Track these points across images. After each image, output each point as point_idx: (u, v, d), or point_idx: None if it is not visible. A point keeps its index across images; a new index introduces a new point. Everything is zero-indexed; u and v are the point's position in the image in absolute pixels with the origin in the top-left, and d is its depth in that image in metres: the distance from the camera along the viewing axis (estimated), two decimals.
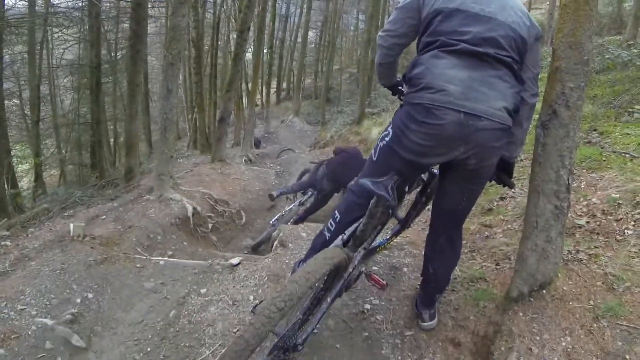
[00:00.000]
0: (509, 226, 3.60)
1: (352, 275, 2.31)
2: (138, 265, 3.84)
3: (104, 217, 5.00)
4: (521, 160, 4.41)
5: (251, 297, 3.16)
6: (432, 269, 2.59)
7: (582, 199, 3.41)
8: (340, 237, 2.35)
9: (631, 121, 4.64)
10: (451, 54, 2.04)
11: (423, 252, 2.77)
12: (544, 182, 2.37)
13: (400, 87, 2.68)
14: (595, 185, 3.55)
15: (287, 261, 3.53)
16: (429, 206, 2.91)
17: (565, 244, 2.80)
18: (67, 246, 3.95)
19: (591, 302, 2.37)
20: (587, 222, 3.14)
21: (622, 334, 2.12)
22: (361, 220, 2.27)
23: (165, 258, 4.18)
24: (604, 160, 3.87)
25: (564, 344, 2.20)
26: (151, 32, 15.62)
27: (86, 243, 4.07)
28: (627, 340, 2.09)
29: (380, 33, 2.41)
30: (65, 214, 5.48)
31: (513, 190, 3.95)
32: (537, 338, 2.29)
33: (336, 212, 2.48)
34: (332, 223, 2.46)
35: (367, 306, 2.96)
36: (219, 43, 17.53)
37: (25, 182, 13.11)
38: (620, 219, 3.02)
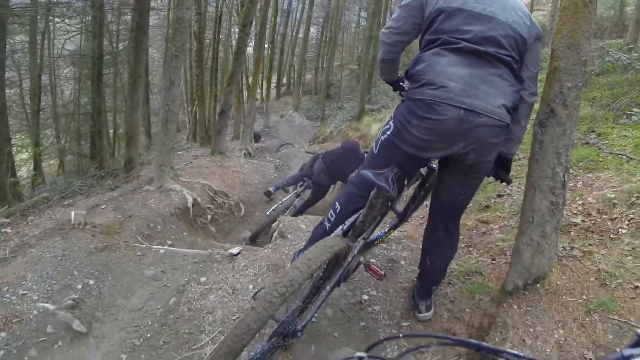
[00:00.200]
0: (505, 223, 3.65)
1: (351, 265, 2.36)
2: (138, 254, 3.87)
3: (104, 206, 5.02)
4: (519, 159, 4.46)
5: (250, 286, 3.21)
6: (429, 261, 2.64)
7: (578, 198, 3.46)
8: (340, 227, 2.40)
9: (629, 124, 4.68)
10: (453, 52, 2.09)
11: (420, 246, 2.82)
12: (540, 179, 2.42)
13: (401, 83, 2.73)
14: (591, 185, 3.60)
15: (286, 252, 3.57)
16: (427, 202, 2.96)
17: (560, 241, 2.86)
18: (67, 234, 3.97)
19: (584, 297, 2.42)
20: (583, 221, 3.19)
21: (613, 328, 2.17)
22: (361, 211, 2.31)
23: (166, 247, 4.21)
24: (601, 161, 3.92)
25: (556, 336, 2.25)
26: (153, 25, 15.56)
27: (87, 231, 4.09)
28: (618, 334, 2.14)
29: (383, 30, 2.45)
30: (65, 202, 5.51)
31: (510, 187, 4.00)
32: (531, 330, 2.34)
33: (336, 203, 2.53)
34: (332, 214, 2.51)
35: (365, 297, 3.00)
36: (221, 37, 17.52)
37: (23, 172, 13.06)
38: (615, 218, 3.07)
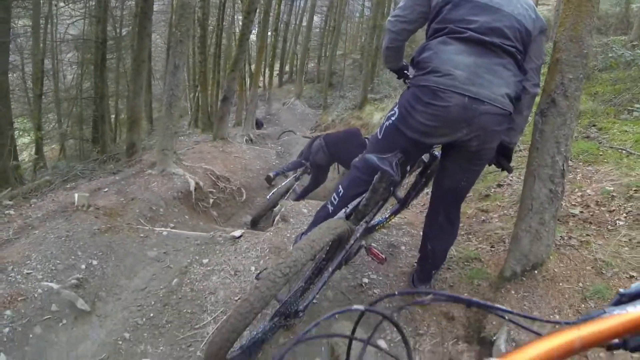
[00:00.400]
0: (504, 212, 3.69)
1: (353, 248, 2.40)
2: (141, 235, 3.92)
3: (106, 189, 5.05)
4: (520, 150, 4.49)
5: (252, 268, 3.25)
6: (430, 245, 2.68)
7: (577, 190, 3.50)
8: (343, 210, 2.43)
9: (630, 119, 4.71)
10: (458, 41, 2.13)
11: (420, 232, 2.86)
12: (540, 167, 2.46)
13: (405, 71, 2.76)
14: (590, 178, 3.64)
15: (288, 235, 3.61)
16: (428, 190, 2.99)
17: (559, 230, 2.90)
18: (71, 215, 4.01)
19: (580, 284, 2.47)
20: (581, 212, 3.23)
21: None
22: (364, 195, 2.35)
23: (168, 229, 4.25)
24: (601, 155, 3.96)
25: None
26: (156, 10, 15.50)
27: (90, 213, 4.13)
28: None
29: (389, 18, 2.48)
30: (67, 186, 5.55)
31: (510, 178, 4.04)
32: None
33: (340, 186, 2.56)
34: (336, 197, 2.54)
35: (365, 280, 3.04)
36: (224, 24, 17.45)
37: (25, 156, 13.05)
38: (613, 210, 3.12)
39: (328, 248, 2.26)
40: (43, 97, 12.26)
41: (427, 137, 2.23)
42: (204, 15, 13.57)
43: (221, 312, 2.88)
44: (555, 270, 2.59)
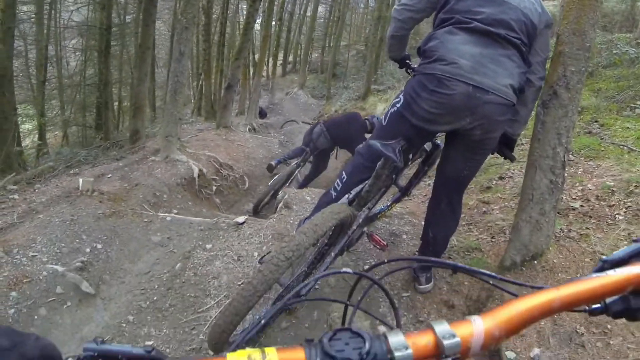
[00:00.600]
0: (505, 204, 3.71)
1: (355, 234, 2.42)
2: (145, 220, 3.95)
3: (110, 175, 5.09)
4: (522, 144, 4.50)
5: (255, 254, 3.28)
6: (432, 233, 2.71)
7: (578, 184, 3.52)
8: (346, 196, 2.46)
9: (632, 116, 4.72)
10: (465, 31, 2.15)
11: (422, 222, 2.89)
12: (541, 158, 2.49)
13: (408, 61, 2.79)
14: (591, 173, 3.66)
15: (291, 221, 3.65)
16: (430, 181, 3.01)
17: (559, 223, 2.93)
18: (75, 200, 4.05)
19: (578, 275, 2.49)
20: (581, 206, 3.25)
21: None
22: (367, 181, 2.38)
23: (172, 214, 4.28)
24: (602, 150, 3.98)
25: None
26: None
27: (94, 197, 4.17)
28: None
29: (396, 6, 2.50)
30: (71, 172, 5.59)
31: (512, 170, 4.07)
32: None
33: (343, 172, 2.59)
34: (339, 183, 2.57)
35: (367, 267, 3.03)
36: (228, 12, 17.38)
37: (27, 142, 13.04)
38: (613, 205, 3.14)
39: (331, 233, 2.28)
40: (46, 83, 12.25)
41: (431, 124, 2.25)
42: (209, 3, 13.51)
43: (224, 296, 2.93)
44: (555, 261, 2.62)
